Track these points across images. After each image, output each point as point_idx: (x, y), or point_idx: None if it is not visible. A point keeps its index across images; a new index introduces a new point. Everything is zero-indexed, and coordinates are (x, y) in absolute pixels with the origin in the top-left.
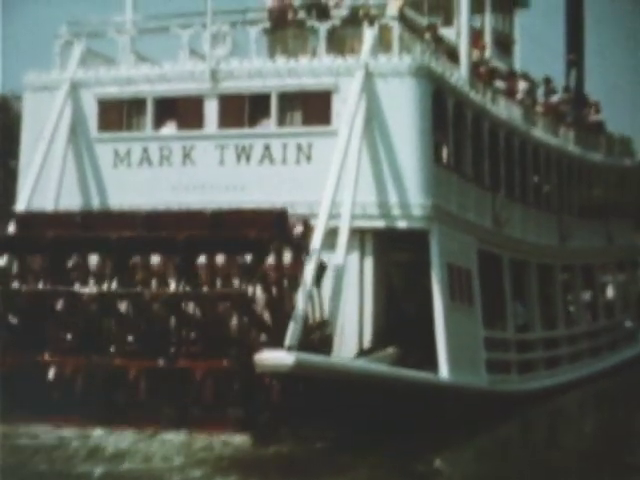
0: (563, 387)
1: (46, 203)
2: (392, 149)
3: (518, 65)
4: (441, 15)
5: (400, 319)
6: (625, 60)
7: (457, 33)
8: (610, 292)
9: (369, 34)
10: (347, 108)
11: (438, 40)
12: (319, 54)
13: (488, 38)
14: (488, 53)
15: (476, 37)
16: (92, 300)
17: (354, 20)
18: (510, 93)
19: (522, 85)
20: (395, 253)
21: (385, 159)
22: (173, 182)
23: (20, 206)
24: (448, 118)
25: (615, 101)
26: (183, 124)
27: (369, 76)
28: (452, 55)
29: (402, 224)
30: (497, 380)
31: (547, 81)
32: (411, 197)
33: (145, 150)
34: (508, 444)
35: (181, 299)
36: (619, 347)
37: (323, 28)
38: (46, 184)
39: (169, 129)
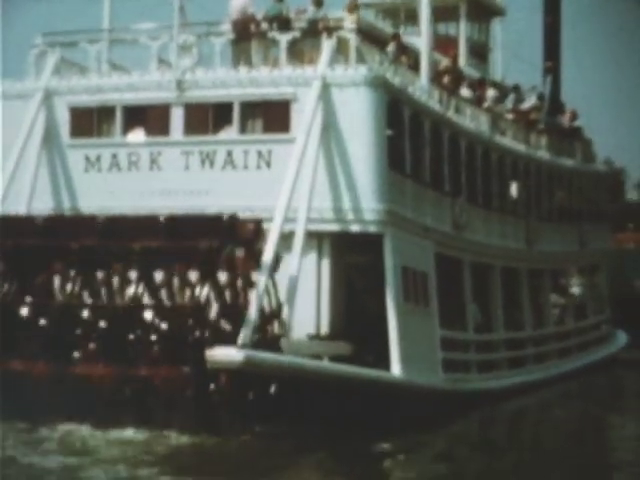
0: (527, 387)
1: (19, 206)
2: (348, 156)
3: (497, 73)
4: (417, 24)
5: (360, 318)
6: (601, 68)
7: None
8: (582, 294)
9: (327, 45)
10: (304, 116)
11: (403, 49)
12: (280, 65)
13: (462, 46)
14: (462, 61)
15: (449, 45)
16: (57, 309)
17: (313, 32)
18: (480, 101)
19: (491, 93)
20: (356, 255)
21: (341, 165)
22: (141, 187)
23: None
24: (405, 126)
25: (590, 109)
26: (150, 131)
27: (326, 86)
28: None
29: (356, 228)
30: (454, 379)
31: (516, 89)
32: (365, 202)
33: (115, 156)
34: (463, 441)
35: (140, 309)
36: (591, 348)
37: (284, 39)
38: (20, 188)
39: (137, 136)
